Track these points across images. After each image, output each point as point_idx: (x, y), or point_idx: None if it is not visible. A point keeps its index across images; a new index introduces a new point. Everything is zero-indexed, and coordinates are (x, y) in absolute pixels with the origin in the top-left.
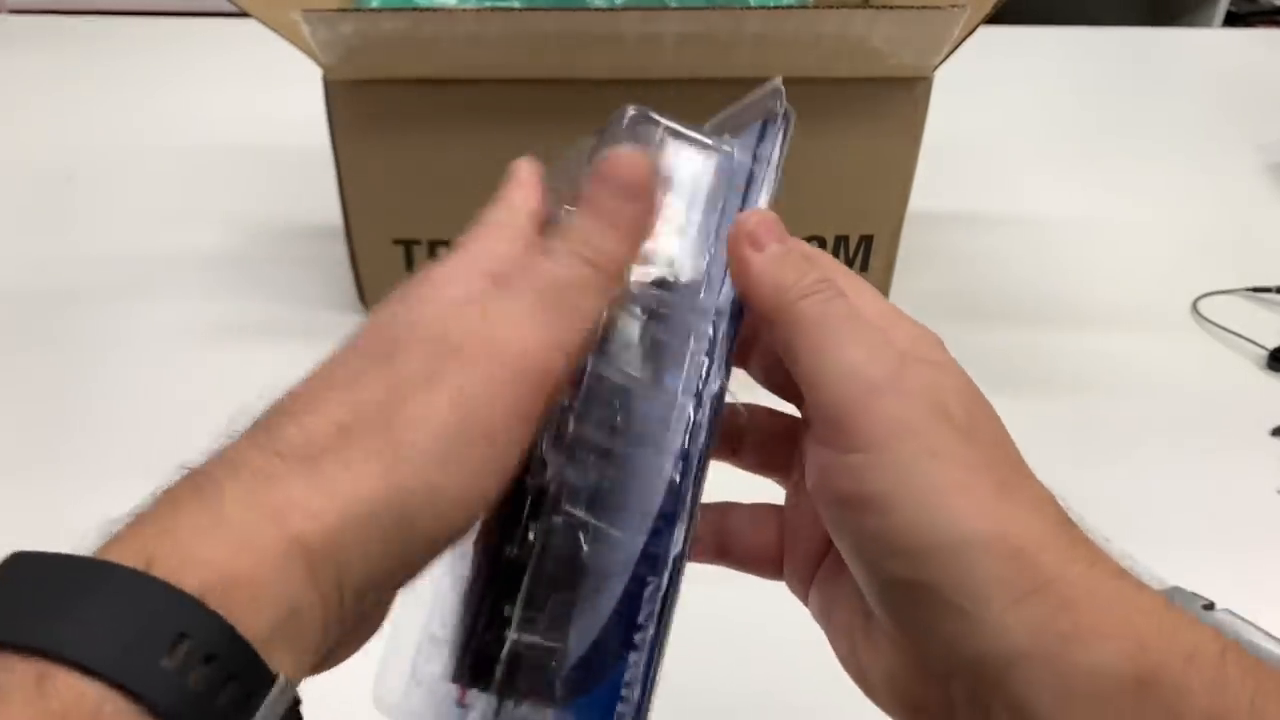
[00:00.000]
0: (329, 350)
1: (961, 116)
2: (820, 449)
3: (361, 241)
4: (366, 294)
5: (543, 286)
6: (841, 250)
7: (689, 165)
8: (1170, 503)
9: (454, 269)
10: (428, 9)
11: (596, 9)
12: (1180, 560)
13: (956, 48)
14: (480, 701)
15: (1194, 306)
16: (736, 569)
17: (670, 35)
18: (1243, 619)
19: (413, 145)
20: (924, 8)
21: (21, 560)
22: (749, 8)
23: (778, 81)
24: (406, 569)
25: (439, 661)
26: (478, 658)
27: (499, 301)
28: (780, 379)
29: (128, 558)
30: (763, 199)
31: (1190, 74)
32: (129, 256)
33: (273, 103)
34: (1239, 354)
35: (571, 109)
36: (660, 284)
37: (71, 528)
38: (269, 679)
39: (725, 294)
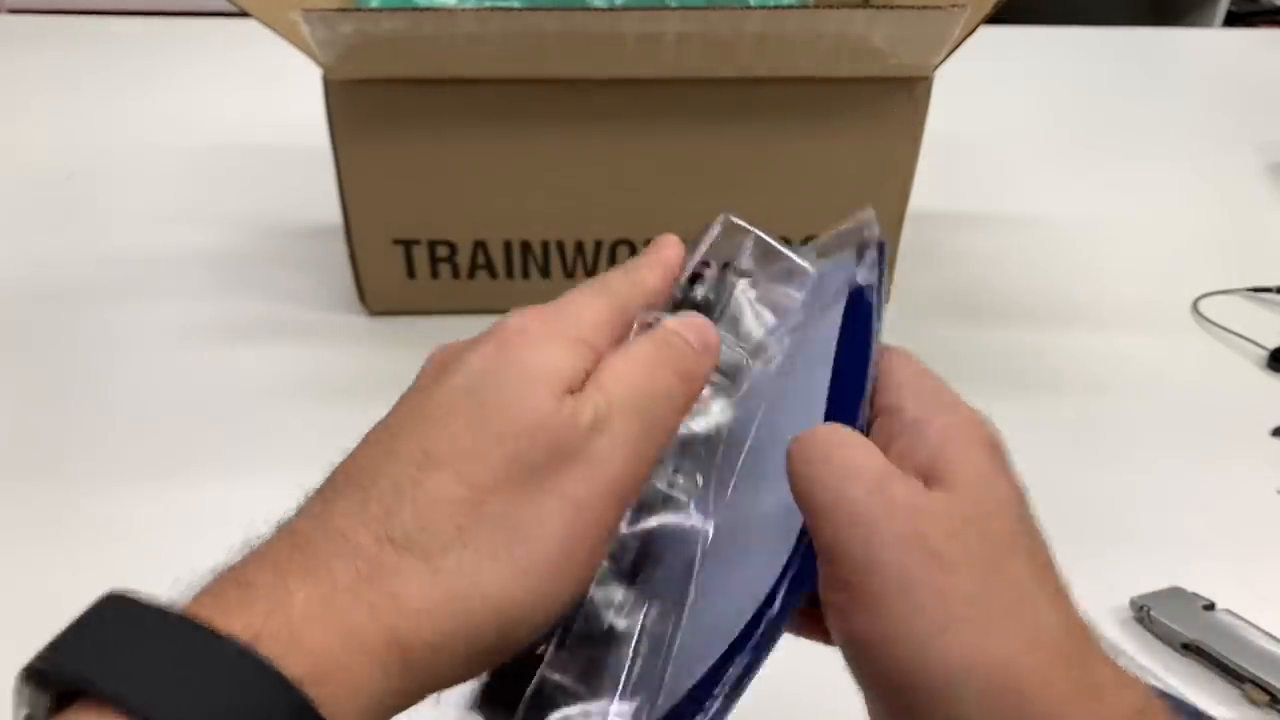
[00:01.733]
0: (333, 351)
1: (962, 116)
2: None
3: (361, 241)
4: (366, 293)
5: (640, 397)
6: None
7: (778, 284)
8: (1170, 503)
9: (549, 329)
10: (427, 8)
11: (596, 9)
12: (1180, 560)
13: (957, 47)
14: None
15: (1194, 306)
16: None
17: (670, 35)
18: (1243, 619)
19: (413, 145)
20: (924, 8)
21: (122, 604)
22: (749, 8)
23: (871, 212)
24: (483, 669)
25: (463, 690)
26: (503, 688)
27: (606, 411)
28: None
29: (235, 627)
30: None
31: (1190, 74)
32: (128, 256)
33: (272, 102)
34: (1239, 354)
35: (571, 109)
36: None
37: (72, 527)
38: None
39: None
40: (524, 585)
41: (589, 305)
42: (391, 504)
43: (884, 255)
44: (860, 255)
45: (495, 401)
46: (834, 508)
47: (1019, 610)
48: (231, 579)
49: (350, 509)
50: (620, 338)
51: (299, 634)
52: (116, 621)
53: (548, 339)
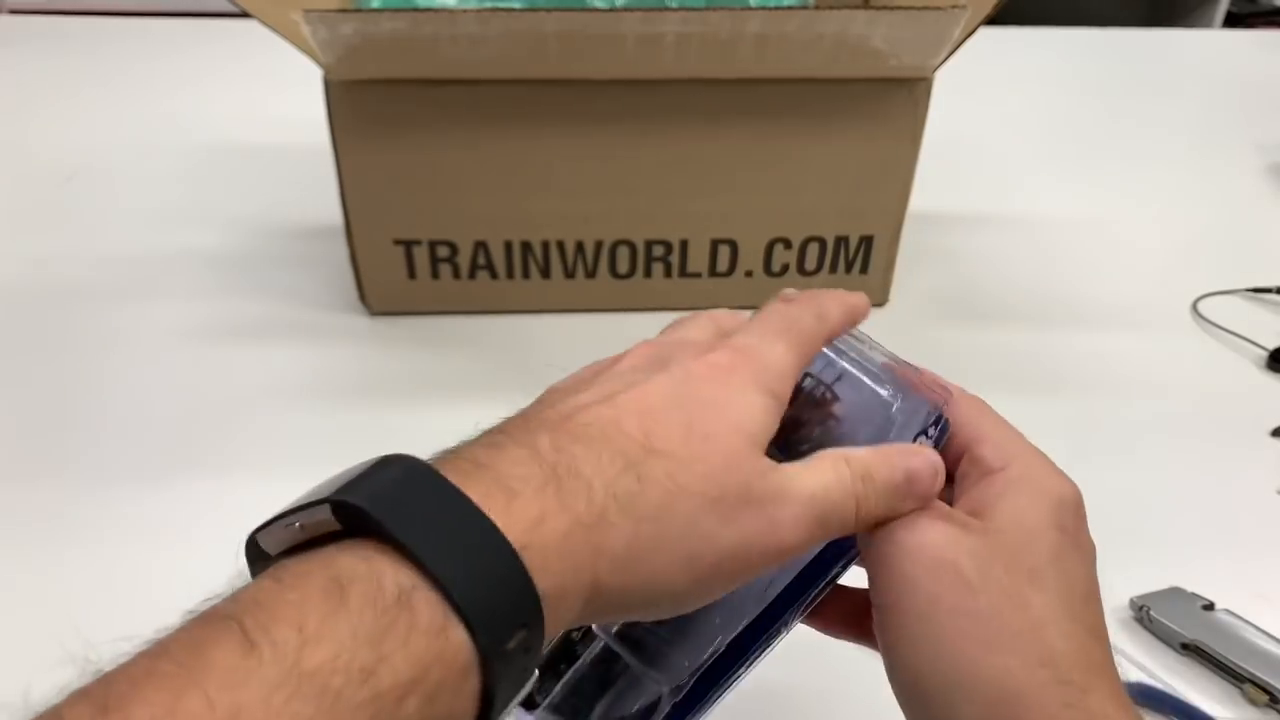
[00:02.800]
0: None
1: (962, 117)
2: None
3: (362, 241)
4: (367, 294)
5: (826, 505)
6: (842, 250)
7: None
8: (1170, 503)
9: (752, 373)
10: (428, 9)
11: (597, 9)
12: (1180, 560)
13: (957, 48)
14: None
15: (1194, 307)
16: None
17: (671, 36)
18: (1242, 619)
19: (413, 145)
20: (924, 9)
21: (422, 473)
22: (749, 8)
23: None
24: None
25: None
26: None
27: (788, 491)
28: None
29: (512, 533)
30: None
31: (1190, 75)
32: (129, 256)
33: (273, 103)
34: (1239, 354)
35: (572, 109)
36: None
37: (73, 526)
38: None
39: None
40: (678, 581)
41: (784, 356)
42: (622, 468)
43: (943, 435)
44: (924, 429)
45: (703, 430)
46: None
47: (1030, 635)
48: (495, 480)
49: (589, 459)
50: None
51: (549, 560)
52: (420, 487)
53: (753, 388)
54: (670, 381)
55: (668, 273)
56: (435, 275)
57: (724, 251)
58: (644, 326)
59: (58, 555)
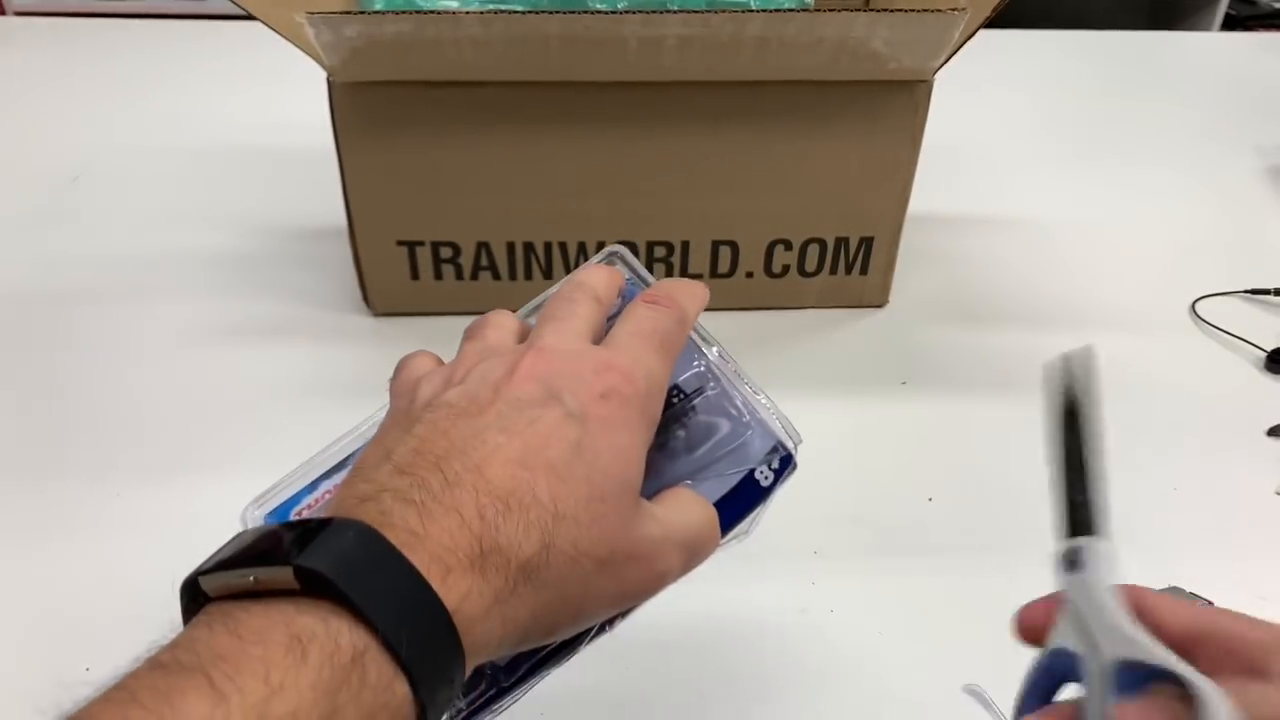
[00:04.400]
0: (337, 351)
1: (961, 119)
2: None
3: (365, 243)
4: (370, 294)
5: (690, 539)
6: (842, 251)
7: None
8: (1168, 503)
9: (635, 407)
10: (431, 11)
11: (598, 12)
12: (1179, 561)
13: (956, 51)
14: None
15: (1192, 308)
16: None
17: (672, 38)
18: None
19: (416, 147)
20: (924, 11)
21: (369, 536)
22: (750, 11)
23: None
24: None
25: None
26: None
27: (668, 539)
28: None
29: (449, 600)
30: None
31: (1189, 77)
32: (134, 257)
33: (277, 105)
34: (1237, 355)
35: (574, 111)
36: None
37: (78, 526)
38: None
39: None
40: (567, 629)
41: (660, 373)
42: (537, 545)
43: (787, 470)
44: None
45: (601, 490)
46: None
47: None
48: (433, 554)
49: (508, 532)
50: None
51: (473, 626)
52: (376, 559)
53: (639, 423)
54: (572, 429)
55: (669, 273)
56: (438, 276)
57: (725, 252)
58: None
59: (62, 554)
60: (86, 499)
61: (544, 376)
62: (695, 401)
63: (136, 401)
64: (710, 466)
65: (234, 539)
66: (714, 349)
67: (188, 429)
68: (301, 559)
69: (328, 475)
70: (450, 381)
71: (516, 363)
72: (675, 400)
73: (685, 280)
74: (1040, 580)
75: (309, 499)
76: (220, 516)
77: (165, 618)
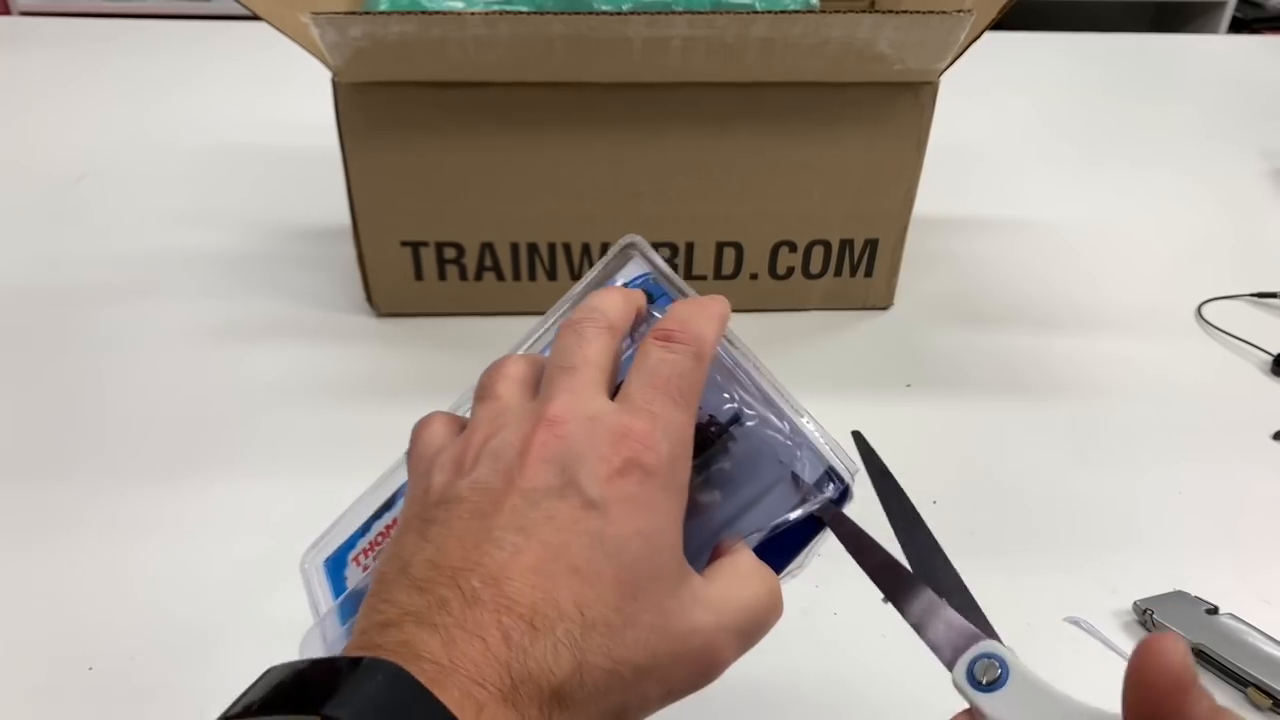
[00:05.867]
0: (340, 351)
1: (967, 121)
2: None
3: (369, 243)
4: (374, 295)
5: (744, 621)
6: (847, 253)
7: None
8: (1174, 507)
9: (660, 486)
10: (436, 12)
11: (603, 13)
12: (1183, 564)
13: (962, 53)
14: None
15: (1198, 311)
16: None
17: (677, 39)
18: (1245, 623)
19: (421, 147)
20: (930, 13)
21: (400, 679)
22: (755, 12)
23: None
24: None
25: None
26: None
27: (719, 628)
28: None
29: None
30: None
31: (1195, 80)
32: (138, 257)
33: (282, 105)
34: (1243, 359)
35: (578, 112)
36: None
37: (80, 526)
38: None
39: None
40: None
41: (684, 428)
42: (569, 668)
43: (844, 502)
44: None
45: (631, 586)
46: None
47: None
48: (463, 688)
49: (536, 654)
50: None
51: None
52: (408, 705)
53: (666, 500)
54: (593, 520)
55: None
56: (442, 276)
57: (729, 254)
58: None
59: (66, 554)
60: (87, 498)
61: (557, 456)
62: (733, 430)
63: (139, 401)
64: (757, 504)
65: (261, 678)
66: (750, 365)
67: (191, 429)
68: (330, 708)
69: (378, 515)
70: (462, 466)
71: (529, 440)
72: (711, 431)
73: (701, 301)
74: (1043, 583)
75: (363, 542)
76: (224, 515)
77: (165, 618)
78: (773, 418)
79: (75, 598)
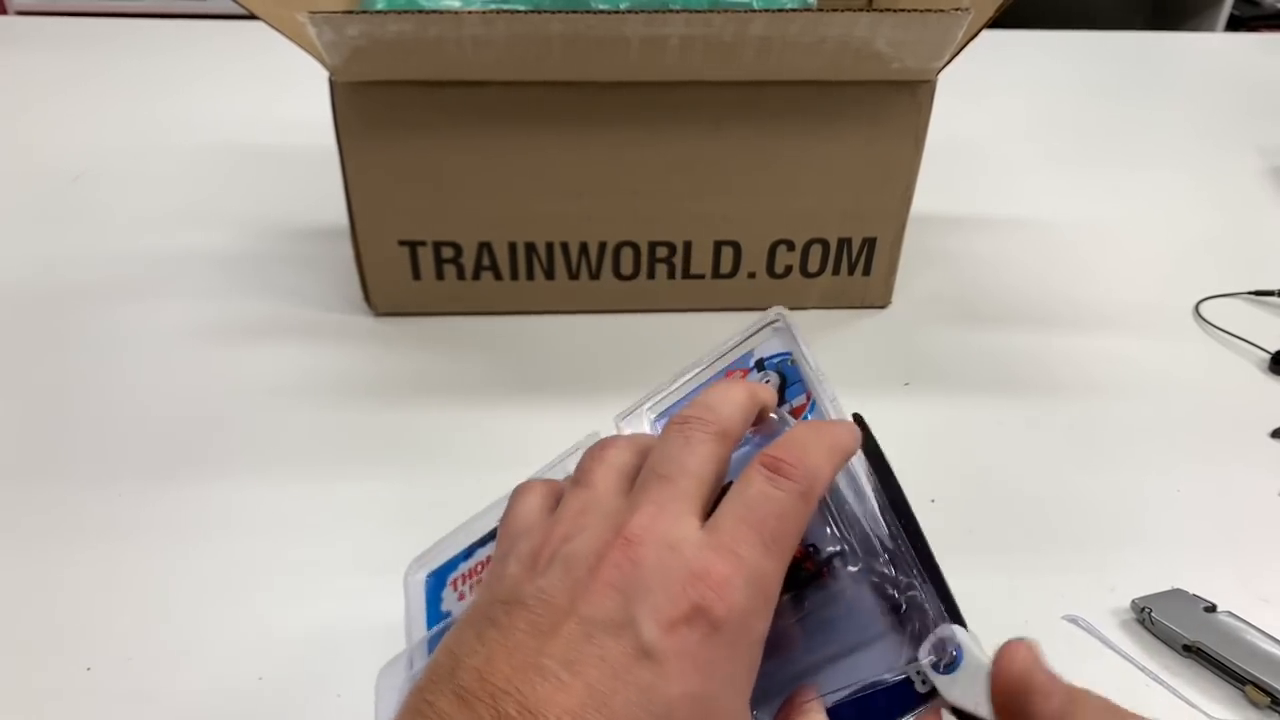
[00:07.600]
0: (338, 351)
1: (964, 120)
2: None
3: (367, 242)
4: (371, 294)
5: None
6: (844, 252)
7: None
8: (1172, 505)
9: (735, 649)
10: (433, 11)
11: (601, 11)
12: (1181, 562)
13: (960, 51)
14: None
15: (1196, 309)
16: None
17: (674, 38)
18: (1244, 621)
19: (418, 147)
20: (927, 11)
21: None
22: (753, 10)
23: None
24: None
25: None
26: None
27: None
28: None
29: None
30: None
31: (1192, 78)
32: (135, 256)
33: (279, 104)
34: (1241, 357)
35: (576, 111)
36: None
37: (78, 526)
38: None
39: None
40: None
41: (772, 576)
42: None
43: (955, 670)
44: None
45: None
46: None
47: None
48: None
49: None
50: None
51: None
52: None
53: (735, 665)
54: (644, 672)
55: (671, 274)
56: (440, 276)
57: (727, 253)
58: (647, 327)
59: (63, 554)
60: (86, 499)
61: (625, 585)
62: (834, 564)
63: (137, 402)
64: (850, 656)
65: None
66: (869, 497)
67: (188, 429)
68: None
69: (482, 543)
70: (537, 563)
71: (602, 556)
72: (807, 566)
73: (824, 429)
74: (1042, 582)
75: (464, 567)
76: (222, 515)
77: (164, 618)
78: (882, 567)
79: (73, 598)
